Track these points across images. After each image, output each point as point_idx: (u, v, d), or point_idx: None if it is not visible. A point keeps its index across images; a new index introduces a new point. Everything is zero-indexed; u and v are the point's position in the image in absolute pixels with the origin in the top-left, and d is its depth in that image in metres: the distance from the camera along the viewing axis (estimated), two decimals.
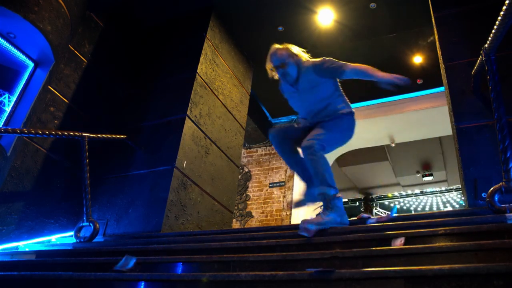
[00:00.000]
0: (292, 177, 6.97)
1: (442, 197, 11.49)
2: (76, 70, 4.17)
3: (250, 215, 7.04)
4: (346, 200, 11.88)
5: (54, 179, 3.75)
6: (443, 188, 11.29)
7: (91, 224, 3.33)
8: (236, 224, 7.03)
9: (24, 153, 3.47)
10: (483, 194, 2.61)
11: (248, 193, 7.30)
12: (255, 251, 2.10)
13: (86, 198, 3.41)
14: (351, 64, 2.52)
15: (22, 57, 3.70)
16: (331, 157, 7.89)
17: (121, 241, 3.32)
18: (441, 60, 3.47)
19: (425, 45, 5.51)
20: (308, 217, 2.25)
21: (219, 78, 4.90)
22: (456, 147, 3.01)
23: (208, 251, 2.26)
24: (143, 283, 1.66)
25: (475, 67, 2.83)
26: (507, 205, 2.10)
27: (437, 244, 1.69)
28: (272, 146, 7.81)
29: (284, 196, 6.89)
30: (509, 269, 1.08)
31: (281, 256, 1.77)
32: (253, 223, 6.93)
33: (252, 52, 5.74)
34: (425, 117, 6.67)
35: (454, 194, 11.28)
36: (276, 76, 2.70)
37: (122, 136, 3.96)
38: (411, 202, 11.95)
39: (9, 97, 3.59)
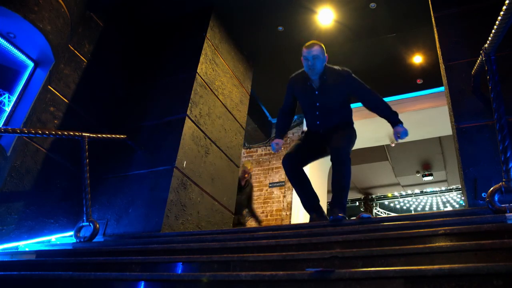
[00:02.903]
0: None
1: (442, 197, 11.48)
2: (76, 70, 4.17)
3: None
4: None
5: (54, 179, 3.75)
6: (443, 188, 11.29)
7: (91, 224, 3.33)
8: None
9: (24, 153, 3.47)
10: (483, 194, 2.61)
11: None
12: (255, 251, 2.10)
13: (86, 198, 3.41)
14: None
15: (22, 57, 3.70)
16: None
17: (121, 241, 3.32)
18: (441, 60, 3.47)
19: (425, 45, 5.51)
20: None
21: (219, 78, 4.90)
22: (456, 147, 3.01)
23: (208, 251, 2.26)
24: (143, 283, 1.66)
25: (475, 67, 2.83)
26: (507, 205, 2.10)
27: (437, 244, 1.69)
28: None
29: (284, 196, 6.89)
30: (509, 269, 1.08)
31: (281, 256, 1.77)
32: (253, 223, 6.92)
33: (252, 52, 5.74)
34: (425, 117, 6.67)
35: (454, 194, 11.27)
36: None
37: (122, 136, 3.96)
38: (411, 202, 11.94)
39: (9, 97, 3.59)
